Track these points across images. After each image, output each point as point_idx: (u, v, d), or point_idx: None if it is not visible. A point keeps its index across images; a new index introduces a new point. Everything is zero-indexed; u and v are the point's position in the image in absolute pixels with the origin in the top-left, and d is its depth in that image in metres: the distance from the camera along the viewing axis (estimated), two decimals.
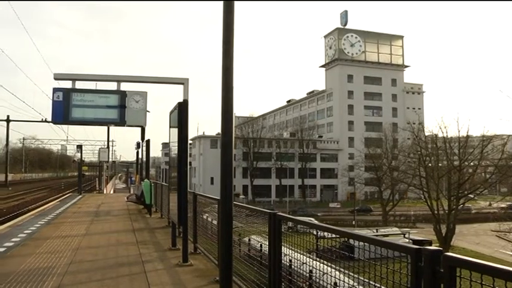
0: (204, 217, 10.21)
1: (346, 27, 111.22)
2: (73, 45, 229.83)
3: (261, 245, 7.13)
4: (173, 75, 11.03)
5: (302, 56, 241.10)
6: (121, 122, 10.38)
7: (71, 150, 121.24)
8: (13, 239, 12.00)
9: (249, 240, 8.57)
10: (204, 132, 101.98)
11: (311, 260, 5.35)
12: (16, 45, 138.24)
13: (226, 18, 5.45)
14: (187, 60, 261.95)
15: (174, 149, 9.07)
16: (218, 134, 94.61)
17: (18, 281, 7.57)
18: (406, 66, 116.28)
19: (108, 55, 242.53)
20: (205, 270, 8.35)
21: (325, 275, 5.23)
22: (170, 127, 9.69)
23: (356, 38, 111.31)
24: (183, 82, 9.62)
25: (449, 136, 54.82)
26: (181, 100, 9.11)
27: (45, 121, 60.97)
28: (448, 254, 2.85)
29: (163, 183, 16.48)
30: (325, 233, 5.14)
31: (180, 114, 8.67)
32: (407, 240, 39.12)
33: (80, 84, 10.52)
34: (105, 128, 49.36)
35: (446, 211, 48.77)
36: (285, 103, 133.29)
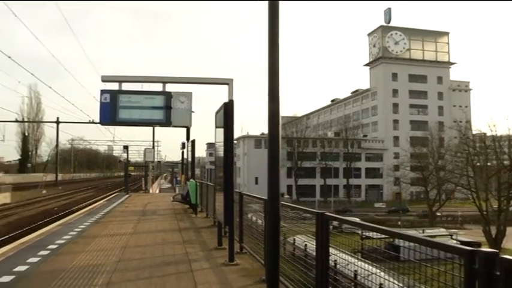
0: (249, 216, 10.23)
1: (390, 24, 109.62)
2: (118, 47, 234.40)
3: (305, 245, 7.10)
4: (217, 76, 11.13)
5: (346, 54, 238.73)
6: (167, 122, 10.56)
7: (117, 151, 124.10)
8: (64, 237, 12.33)
9: (294, 240, 8.56)
10: (248, 132, 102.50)
11: (357, 260, 5.29)
12: (64, 48, 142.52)
13: (271, 18, 5.44)
14: (230, 60, 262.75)
15: (220, 149, 9.13)
16: (262, 134, 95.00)
17: (70, 277, 7.78)
18: (452, 64, 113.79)
19: (153, 57, 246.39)
20: (251, 270, 8.36)
21: (370, 276, 5.16)
22: (216, 127, 9.73)
23: (400, 35, 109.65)
24: (228, 82, 9.67)
25: (498, 134, 53.35)
26: (226, 100, 9.14)
27: (93, 122, 62.44)
28: (505, 257, 2.77)
29: (209, 183, 16.60)
30: (371, 233, 5.08)
31: (226, 115, 8.71)
32: (454, 241, 38.25)
33: (126, 86, 10.76)
34: (151, 128, 50.17)
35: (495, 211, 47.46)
36: (329, 102, 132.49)
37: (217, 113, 9.67)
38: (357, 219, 33.87)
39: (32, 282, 7.55)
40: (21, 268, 8.48)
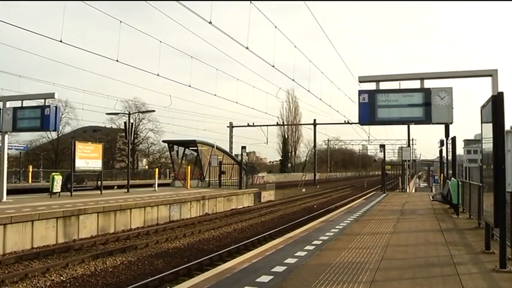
0: None
1: None
2: (368, 48, 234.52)
3: None
4: (474, 68, 10.40)
5: None
6: (426, 119, 10.28)
7: (372, 150, 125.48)
8: (327, 234, 12.88)
9: None
10: (511, 127, 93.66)
11: None
12: (318, 53, 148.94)
13: None
14: (484, 52, 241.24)
15: (488, 145, 8.52)
16: None
17: (335, 272, 8.09)
18: None
19: (404, 54, 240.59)
20: None
21: None
22: (482, 122, 9.09)
23: None
24: (491, 74, 9.01)
25: None
26: (486, 93, 8.59)
27: (348, 123, 64.29)
28: None
29: (472, 182, 15.67)
30: None
31: (495, 108, 8.10)
32: None
33: (382, 85, 10.78)
34: (404, 127, 49.50)
35: None
36: None
37: (483, 107, 9.05)
38: None
39: (302, 274, 8.05)
40: (291, 260, 9.16)
